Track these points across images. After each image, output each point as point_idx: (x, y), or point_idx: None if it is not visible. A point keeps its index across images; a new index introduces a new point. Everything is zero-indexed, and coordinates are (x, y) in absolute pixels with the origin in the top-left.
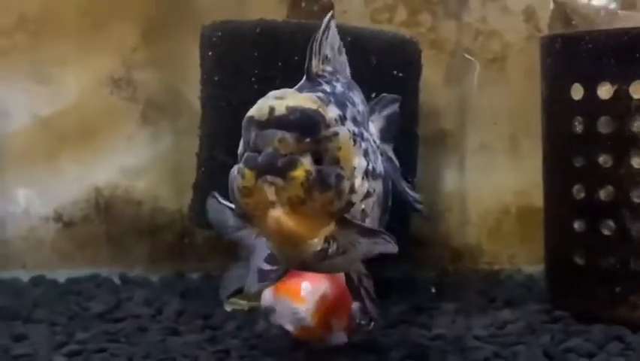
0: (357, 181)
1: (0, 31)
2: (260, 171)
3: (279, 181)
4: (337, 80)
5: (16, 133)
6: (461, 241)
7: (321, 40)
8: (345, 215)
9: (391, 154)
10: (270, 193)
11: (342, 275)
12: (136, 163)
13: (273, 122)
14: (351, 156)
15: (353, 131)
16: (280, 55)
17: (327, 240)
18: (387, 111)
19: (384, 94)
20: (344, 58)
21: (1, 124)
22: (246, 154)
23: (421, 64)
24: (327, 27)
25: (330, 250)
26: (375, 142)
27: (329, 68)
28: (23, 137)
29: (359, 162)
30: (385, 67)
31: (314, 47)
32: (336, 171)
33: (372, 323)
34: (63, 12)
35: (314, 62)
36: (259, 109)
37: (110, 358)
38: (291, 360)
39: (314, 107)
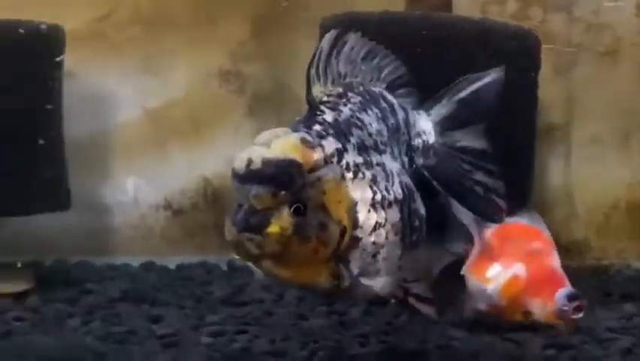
0: (362, 215)
1: (115, 26)
2: (239, 228)
3: (257, 238)
4: (346, 103)
5: (126, 124)
6: (568, 235)
7: (317, 64)
8: (353, 251)
9: (465, 143)
10: (252, 248)
11: (547, 258)
12: None
13: (249, 176)
14: (343, 195)
15: (354, 162)
16: (403, 47)
17: (335, 277)
18: (463, 94)
19: (468, 75)
20: (376, 63)
21: (111, 115)
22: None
23: (541, 56)
24: (321, 50)
25: (343, 284)
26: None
27: (337, 90)
28: (134, 127)
29: (362, 195)
30: (507, 58)
31: (311, 74)
32: (319, 220)
33: (581, 313)
34: (175, 6)
35: (314, 89)
36: (239, 160)
37: (253, 339)
38: (425, 348)
39: (293, 155)
